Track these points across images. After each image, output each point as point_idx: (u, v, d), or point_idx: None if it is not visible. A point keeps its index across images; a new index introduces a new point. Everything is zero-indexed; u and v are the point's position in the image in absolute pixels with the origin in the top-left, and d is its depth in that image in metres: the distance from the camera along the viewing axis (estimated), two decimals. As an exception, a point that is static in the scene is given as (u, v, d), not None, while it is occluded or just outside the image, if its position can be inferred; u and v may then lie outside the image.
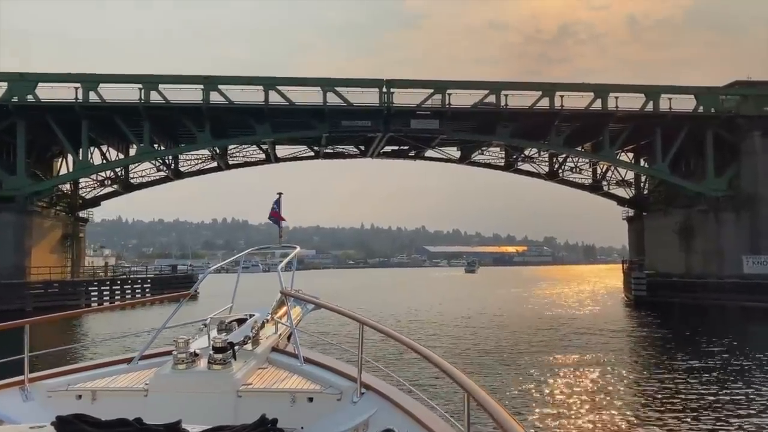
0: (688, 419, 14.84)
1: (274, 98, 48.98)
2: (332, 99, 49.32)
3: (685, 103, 52.39)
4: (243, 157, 59.30)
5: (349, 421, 4.15)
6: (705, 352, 25.14)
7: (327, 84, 49.24)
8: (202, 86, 48.65)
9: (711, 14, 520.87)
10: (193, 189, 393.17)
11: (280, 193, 8.91)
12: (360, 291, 70.87)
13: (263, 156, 59.32)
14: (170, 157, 57.71)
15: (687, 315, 40.53)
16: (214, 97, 48.68)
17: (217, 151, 56.15)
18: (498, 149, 62.23)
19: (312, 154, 59.77)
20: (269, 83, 49.01)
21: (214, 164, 59.37)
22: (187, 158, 58.83)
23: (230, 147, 57.60)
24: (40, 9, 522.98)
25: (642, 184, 65.33)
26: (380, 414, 4.09)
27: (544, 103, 51.13)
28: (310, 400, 4.40)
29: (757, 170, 50.19)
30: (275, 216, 8.78)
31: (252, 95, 49.28)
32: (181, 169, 59.38)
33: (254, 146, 58.04)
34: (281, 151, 60.18)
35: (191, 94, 49.00)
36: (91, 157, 52.22)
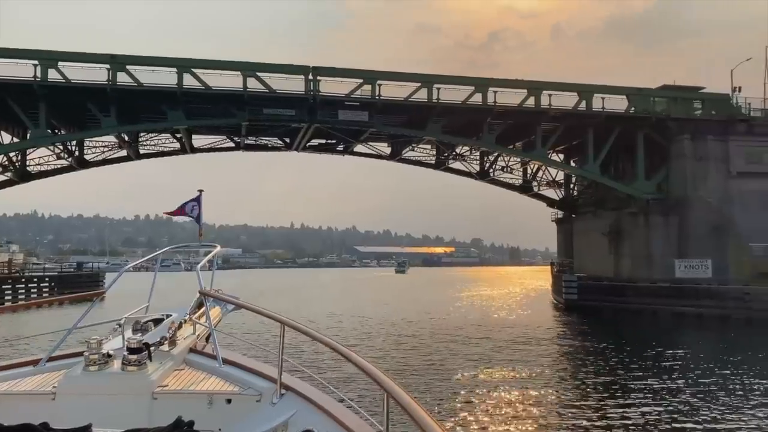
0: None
1: (190, 82, 44.91)
2: (254, 86, 45.71)
3: (618, 104, 51.71)
4: (155, 146, 54.56)
5: (269, 423, 4.09)
6: (642, 363, 23.52)
7: (248, 68, 45.51)
8: (107, 65, 44.02)
9: (628, 27, 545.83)
10: (115, 184, 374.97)
11: (200, 191, 8.43)
12: (285, 293, 67.51)
13: (178, 146, 54.87)
14: (73, 144, 52.45)
15: (619, 321, 39.35)
16: (122, 78, 44.17)
17: (126, 138, 51.34)
18: (429, 146, 60.13)
19: (232, 145, 55.78)
20: (183, 65, 44.81)
21: (124, 153, 54.39)
22: (94, 146, 53.61)
23: (141, 134, 52.92)
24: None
25: (572, 186, 64.77)
26: (300, 415, 4.05)
27: (477, 98, 49.24)
28: (229, 401, 4.33)
29: (685, 174, 49.90)
30: (180, 213, 8.38)
31: (165, 78, 44.99)
32: (86, 157, 54.02)
33: (168, 135, 53.59)
34: (198, 141, 56.01)
35: (96, 74, 44.28)
36: (-23, 141, 46.63)
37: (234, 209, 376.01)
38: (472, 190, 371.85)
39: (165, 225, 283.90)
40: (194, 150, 55.81)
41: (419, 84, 48.16)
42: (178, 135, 52.69)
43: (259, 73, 45.76)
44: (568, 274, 48.88)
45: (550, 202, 66.32)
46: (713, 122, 50.12)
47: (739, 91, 51.49)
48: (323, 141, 56.38)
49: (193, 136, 54.92)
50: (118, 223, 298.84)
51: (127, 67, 44.24)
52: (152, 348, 4.55)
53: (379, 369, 3.09)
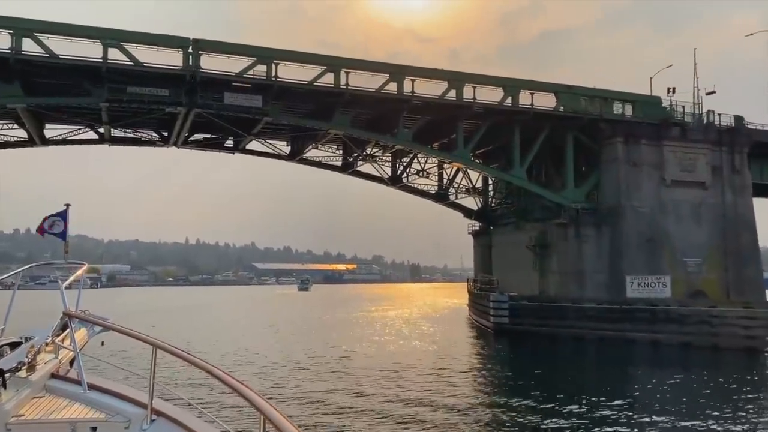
0: None
1: (32, 48, 34.98)
2: (118, 58, 36.39)
3: (545, 102, 46.14)
4: (-12, 133, 43.33)
5: None
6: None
7: (109, 36, 36.06)
8: None
9: (518, 54, 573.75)
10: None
11: (67, 205, 7.73)
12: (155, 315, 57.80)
13: (24, 135, 44.08)
14: None
15: (562, 351, 32.75)
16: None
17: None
18: (335, 146, 52.48)
19: (94, 136, 45.61)
20: (22, 28, 34.79)
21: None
22: None
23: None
24: None
25: (490, 195, 59.13)
26: None
27: (392, 89, 42.21)
28: (94, 429, 4.11)
29: (618, 181, 45.00)
30: (42, 230, 7.49)
31: (-3, 42, 34.76)
32: None
33: (12, 121, 42.79)
34: (52, 131, 45.44)
35: None
36: None
37: (125, 221, 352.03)
38: (376, 206, 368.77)
39: (49, 240, 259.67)
40: (46, 141, 45.19)
41: (325, 67, 40.50)
42: (23, 121, 41.98)
43: (124, 44, 36.45)
44: (497, 294, 42.09)
45: (467, 213, 60.43)
46: (647, 125, 45.65)
47: (674, 92, 47.36)
48: (209, 135, 47.43)
49: (47, 126, 44.55)
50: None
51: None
52: (7, 374, 4.19)
53: (255, 392, 2.99)
